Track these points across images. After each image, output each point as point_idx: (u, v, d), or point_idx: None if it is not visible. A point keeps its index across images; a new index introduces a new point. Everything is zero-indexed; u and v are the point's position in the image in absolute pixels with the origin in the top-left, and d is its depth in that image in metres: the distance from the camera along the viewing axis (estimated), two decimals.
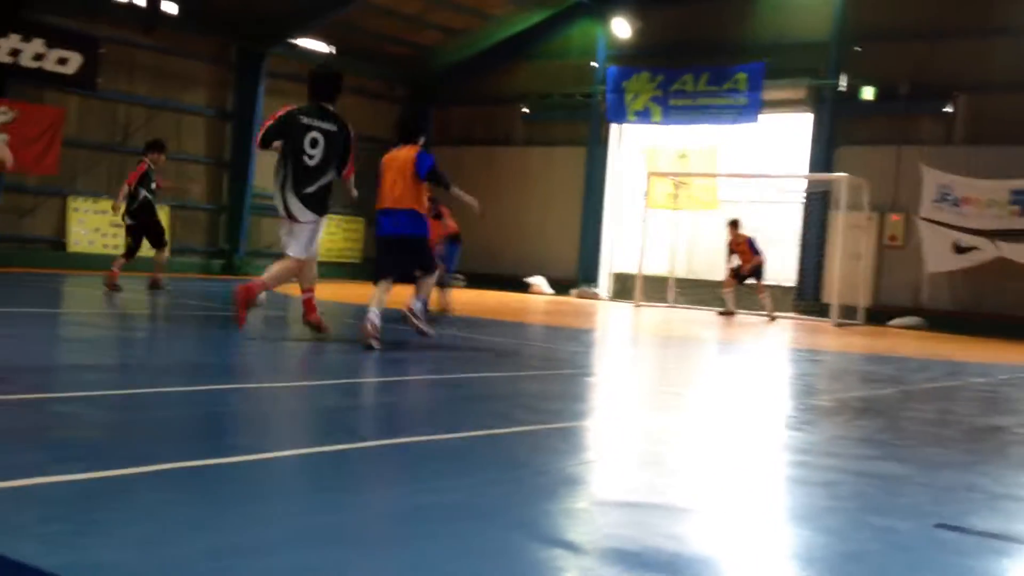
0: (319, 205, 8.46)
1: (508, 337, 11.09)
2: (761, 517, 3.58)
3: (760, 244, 17.99)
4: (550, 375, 7.58)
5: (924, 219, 17.76)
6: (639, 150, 22.39)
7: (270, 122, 8.35)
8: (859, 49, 19.47)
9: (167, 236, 13.97)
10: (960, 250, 17.44)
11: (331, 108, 8.53)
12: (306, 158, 8.31)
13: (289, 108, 8.43)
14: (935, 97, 18.68)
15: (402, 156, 8.73)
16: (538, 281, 22.36)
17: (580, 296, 21.53)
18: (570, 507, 3.51)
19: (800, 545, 3.18)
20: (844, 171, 18.69)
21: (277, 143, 8.27)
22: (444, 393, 6.22)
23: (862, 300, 18.16)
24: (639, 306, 19.27)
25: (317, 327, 8.73)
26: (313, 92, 8.53)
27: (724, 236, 18.53)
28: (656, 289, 20.75)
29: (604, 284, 22.57)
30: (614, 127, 22.67)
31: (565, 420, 5.41)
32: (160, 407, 4.98)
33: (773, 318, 17.62)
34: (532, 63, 23.64)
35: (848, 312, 17.91)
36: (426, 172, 8.50)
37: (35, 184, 18.51)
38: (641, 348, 11.28)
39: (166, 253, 13.63)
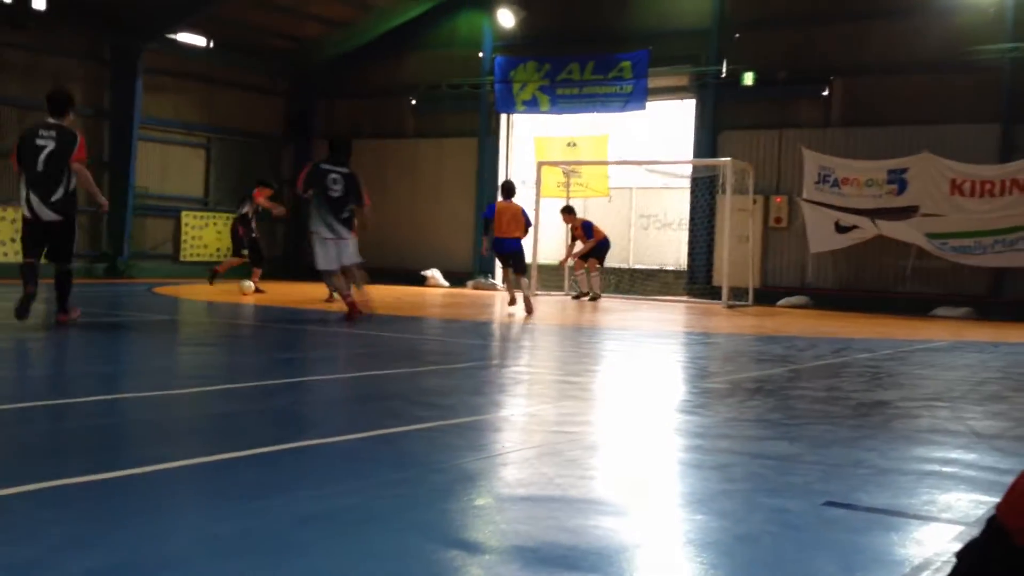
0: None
1: (405, 332, 11.01)
2: (657, 504, 3.61)
3: (597, 227, 18.94)
4: (446, 369, 7.55)
5: (806, 200, 18.24)
6: (529, 140, 22.47)
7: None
8: (738, 36, 19.88)
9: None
10: (841, 229, 17.97)
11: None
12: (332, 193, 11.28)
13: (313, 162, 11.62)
14: (812, 81, 19.20)
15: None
16: (434, 274, 22.28)
17: (476, 288, 21.52)
18: (468, 505, 3.49)
19: (695, 530, 3.21)
20: (728, 155, 19.07)
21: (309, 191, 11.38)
22: (339, 393, 6.13)
23: (751, 282, 18.59)
24: (535, 296, 19.36)
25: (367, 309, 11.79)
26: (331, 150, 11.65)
27: (608, 216, 19.35)
28: (552, 278, 20.87)
29: (500, 275, 22.62)
30: (504, 117, 22.70)
31: (462, 415, 5.39)
32: (39, 422, 4.78)
33: (595, 297, 18.22)
34: (419, 54, 23.49)
35: (738, 294, 18.32)
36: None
37: None
38: (536, 337, 11.33)
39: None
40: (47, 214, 8.85)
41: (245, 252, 17.58)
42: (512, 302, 14.21)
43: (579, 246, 18.90)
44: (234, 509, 3.22)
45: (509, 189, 14.36)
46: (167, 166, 21.91)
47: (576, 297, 18.78)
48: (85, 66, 20.37)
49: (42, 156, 8.86)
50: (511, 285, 14.48)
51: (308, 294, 16.92)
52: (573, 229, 18.88)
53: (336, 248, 11.32)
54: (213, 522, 3.07)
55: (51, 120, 9.07)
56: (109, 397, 5.62)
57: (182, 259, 22.21)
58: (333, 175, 11.26)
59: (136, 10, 20.03)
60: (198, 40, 22.07)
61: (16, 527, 2.92)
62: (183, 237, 22.27)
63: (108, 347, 8.44)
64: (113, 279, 19.68)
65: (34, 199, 8.85)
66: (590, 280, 18.64)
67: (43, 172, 8.85)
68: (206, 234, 22.77)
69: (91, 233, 20.70)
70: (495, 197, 22.69)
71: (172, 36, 21.30)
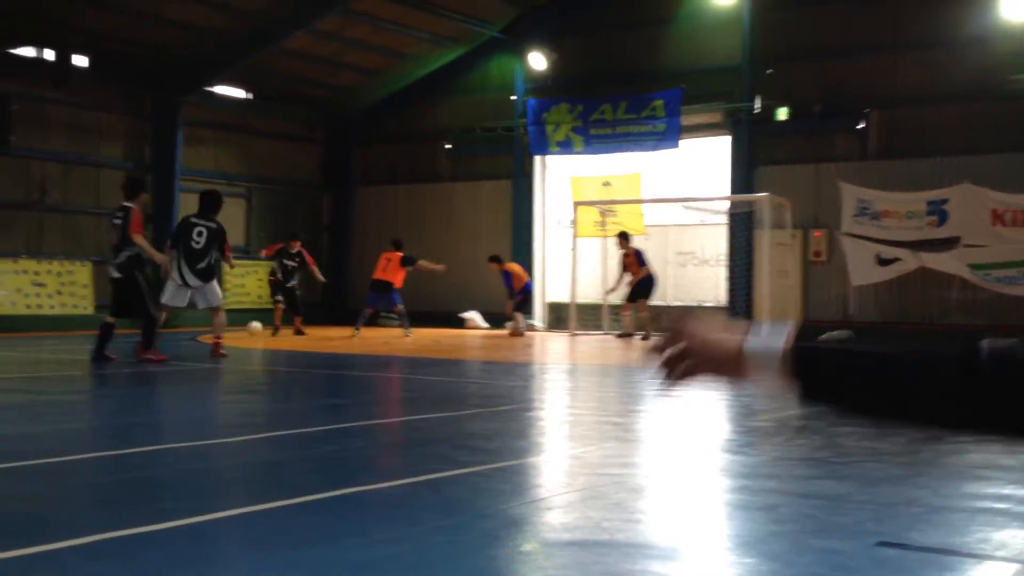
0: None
1: (445, 375, 11.02)
2: (705, 547, 3.58)
3: (649, 261, 18.63)
4: (489, 412, 7.54)
5: (846, 234, 18.12)
6: (564, 180, 22.56)
7: None
8: (771, 71, 19.89)
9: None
10: (883, 262, 17.81)
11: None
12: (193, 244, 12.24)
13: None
14: (847, 114, 19.13)
15: None
16: (473, 316, 22.31)
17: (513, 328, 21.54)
18: (515, 551, 3.48)
19: (745, 573, 3.18)
20: (765, 190, 19.00)
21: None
22: (383, 438, 6.15)
23: (792, 316, 18.43)
24: (574, 335, 19.34)
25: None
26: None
27: (617, 253, 19.26)
28: (591, 317, 20.83)
29: (539, 315, 22.62)
30: (538, 158, 22.82)
31: (506, 459, 5.38)
32: (89, 473, 4.84)
33: (646, 336, 18.05)
34: (452, 99, 23.71)
35: None
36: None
37: None
38: (578, 378, 11.30)
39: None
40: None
41: (279, 299, 18.29)
42: None
43: (627, 277, 18.55)
44: (284, 558, 3.23)
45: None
46: None
47: (620, 336, 18.58)
48: (126, 120, 20.76)
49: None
50: None
51: (348, 339, 17.02)
52: (625, 256, 18.57)
53: (191, 293, 12.20)
54: (263, 571, 3.08)
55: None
56: (156, 448, 5.67)
57: (226, 307, 22.41)
58: (199, 228, 12.31)
59: (175, 64, 20.43)
60: (236, 92, 22.45)
61: None
62: (225, 285, 22.49)
63: (153, 397, 8.53)
64: (160, 329, 19.88)
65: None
66: (639, 319, 18.41)
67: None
68: (248, 281, 23.00)
69: None
70: (531, 238, 22.81)
71: (211, 89, 21.68)
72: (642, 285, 18.42)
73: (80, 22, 18.55)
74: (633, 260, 18.48)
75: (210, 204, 12.63)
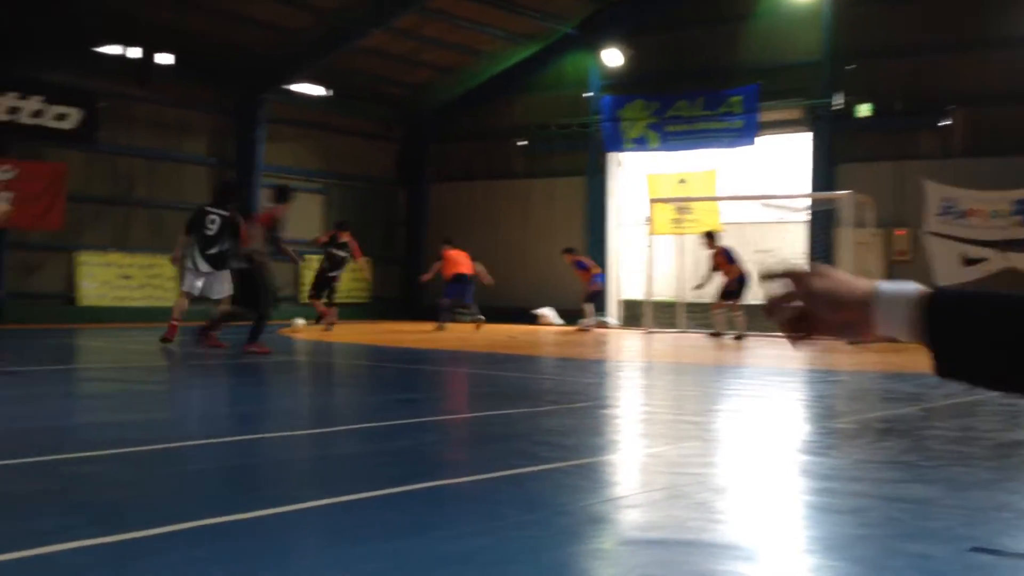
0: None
1: (521, 371, 11.06)
2: (791, 549, 3.54)
3: (739, 257, 18.08)
4: (566, 409, 7.55)
5: (931, 233, 17.75)
6: (639, 177, 22.45)
7: None
8: (852, 67, 19.55)
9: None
10: (969, 262, 17.41)
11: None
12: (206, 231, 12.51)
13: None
14: (931, 111, 18.72)
15: None
16: (547, 312, 22.32)
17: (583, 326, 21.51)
18: (597, 548, 3.49)
19: None
20: (846, 188, 18.69)
21: None
22: (462, 433, 6.20)
23: None
24: (649, 333, 19.24)
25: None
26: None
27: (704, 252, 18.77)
28: (666, 315, 20.71)
29: (613, 312, 22.55)
30: (612, 155, 22.74)
31: (584, 456, 5.39)
32: (181, 462, 4.96)
33: (740, 336, 17.65)
34: (527, 96, 23.76)
35: None
36: None
37: (40, 240, 18.57)
38: (654, 376, 11.25)
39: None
40: None
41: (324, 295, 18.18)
42: None
43: (718, 277, 18.05)
44: (371, 550, 3.28)
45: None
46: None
47: (712, 335, 18.19)
48: (209, 118, 21.19)
49: None
50: None
51: (424, 334, 17.17)
52: (713, 255, 18.01)
53: (204, 280, 12.48)
54: (352, 563, 3.14)
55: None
56: (243, 438, 5.80)
57: (303, 301, 22.77)
58: (212, 216, 12.58)
59: (257, 63, 20.79)
60: (316, 90, 22.77)
61: (172, 566, 3.04)
62: (302, 280, 22.85)
63: (233, 389, 8.70)
64: (243, 322, 20.29)
65: None
66: (732, 319, 18.05)
67: None
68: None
69: None
70: (604, 235, 22.75)
71: (291, 87, 22.03)
72: (735, 284, 17.84)
73: (165, 21, 18.98)
74: (722, 259, 17.92)
75: (224, 194, 13.16)
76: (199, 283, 12.51)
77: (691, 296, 19.23)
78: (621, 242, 22.84)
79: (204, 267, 12.43)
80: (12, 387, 8.06)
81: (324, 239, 18.56)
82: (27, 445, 5.37)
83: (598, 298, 20.22)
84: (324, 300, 18.25)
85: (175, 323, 12.22)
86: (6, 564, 3.01)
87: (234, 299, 12.22)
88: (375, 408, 7.58)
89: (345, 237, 18.37)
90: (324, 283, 18.26)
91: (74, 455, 5.04)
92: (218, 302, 12.59)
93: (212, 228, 12.47)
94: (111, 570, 3.00)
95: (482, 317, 19.16)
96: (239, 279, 12.13)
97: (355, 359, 12.77)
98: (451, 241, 19.95)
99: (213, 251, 12.42)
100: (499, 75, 23.67)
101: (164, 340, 12.02)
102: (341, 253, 18.28)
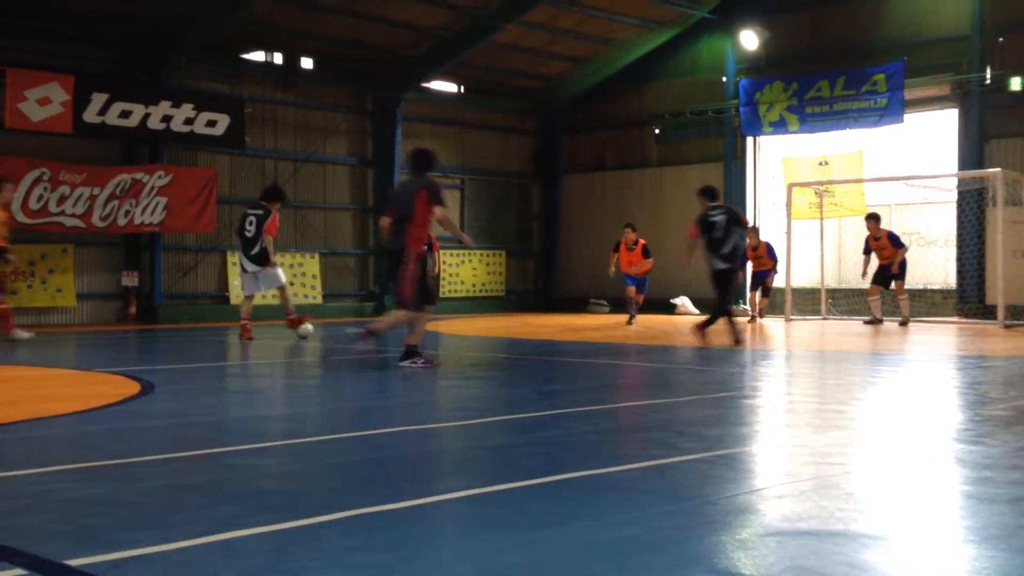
0: None
1: (660, 362, 11.02)
2: (948, 539, 3.46)
3: (903, 239, 17.65)
4: (708, 399, 7.51)
5: None
6: (777, 162, 21.99)
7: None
8: (1002, 40, 18.68)
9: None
10: None
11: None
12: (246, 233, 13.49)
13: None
14: None
15: None
16: (684, 302, 22.12)
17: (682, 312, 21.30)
18: (744, 538, 3.47)
19: (994, 568, 3.06)
20: (996, 165, 17.90)
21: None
22: (605, 424, 6.23)
23: None
24: (790, 320, 18.86)
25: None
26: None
27: (862, 235, 18.15)
28: (807, 301, 20.26)
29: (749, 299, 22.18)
30: (750, 140, 22.35)
31: (729, 446, 5.36)
32: (328, 454, 5.16)
33: (905, 323, 17.09)
34: (661, 83, 23.56)
35: (1016, 312, 17.10)
36: None
37: (194, 242, 19.45)
38: (796, 364, 11.04)
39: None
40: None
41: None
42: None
43: (874, 259, 17.64)
44: (519, 539, 3.36)
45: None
46: None
47: (869, 323, 17.73)
48: (349, 118, 21.78)
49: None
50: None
51: (560, 325, 17.25)
52: (874, 239, 17.58)
53: (254, 279, 13.33)
54: (501, 553, 3.22)
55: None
56: (391, 430, 5.97)
57: (440, 296, 23.20)
58: (250, 217, 13.32)
59: (393, 63, 21.25)
60: (450, 87, 23.13)
61: (325, 555, 3.18)
62: (441, 274, 23.26)
63: (381, 382, 8.95)
64: (380, 317, 20.79)
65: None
66: (900, 303, 17.58)
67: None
68: (462, 271, 23.71)
69: (358, 275, 22.02)
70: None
71: (426, 85, 22.43)
72: (899, 268, 17.33)
73: (306, 27, 19.58)
74: (886, 243, 17.45)
75: (265, 192, 13.68)
76: (252, 282, 13.41)
77: (832, 282, 18.74)
78: (760, 228, 22.44)
79: (250, 267, 13.27)
80: (175, 383, 8.49)
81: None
82: (194, 438, 5.68)
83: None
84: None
85: (244, 322, 13.31)
86: (191, 548, 3.23)
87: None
88: (520, 400, 7.69)
89: None
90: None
91: (238, 448, 5.30)
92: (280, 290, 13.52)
93: (251, 230, 13.26)
94: (274, 556, 3.16)
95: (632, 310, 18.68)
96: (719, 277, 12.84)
97: (494, 352, 12.93)
98: (632, 227, 19.00)
99: (255, 251, 13.19)
100: (633, 63, 23.54)
101: (243, 338, 13.06)
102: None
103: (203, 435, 5.84)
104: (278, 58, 20.40)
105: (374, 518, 3.63)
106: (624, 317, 18.64)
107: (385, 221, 9.85)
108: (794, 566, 3.10)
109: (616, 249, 18.70)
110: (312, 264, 20.88)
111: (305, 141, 21.05)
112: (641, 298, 18.75)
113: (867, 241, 17.79)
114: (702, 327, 12.82)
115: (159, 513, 3.76)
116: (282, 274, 13.78)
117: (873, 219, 17.72)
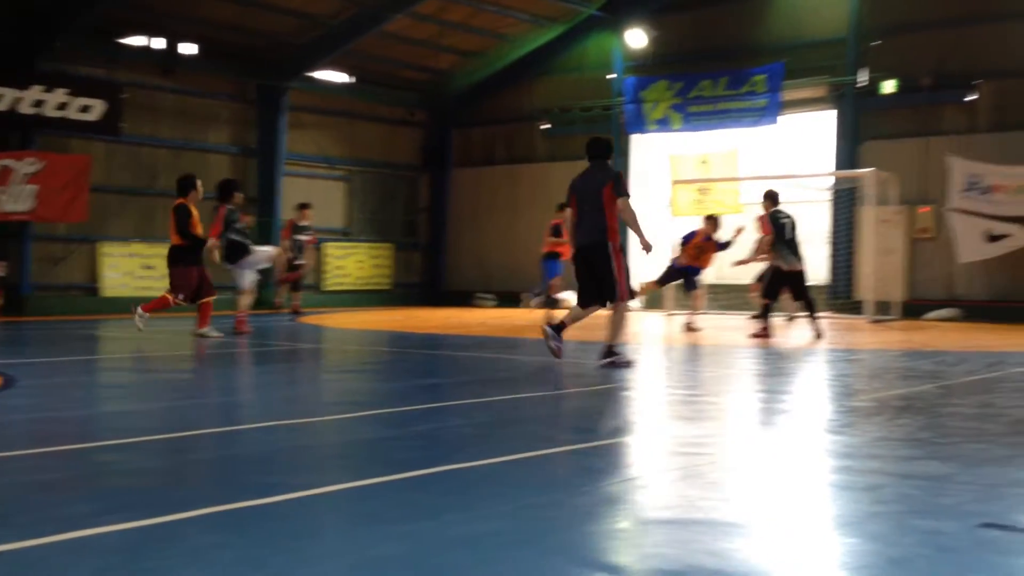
0: None
1: (541, 355, 11.10)
2: (805, 526, 3.57)
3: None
4: (583, 392, 7.59)
5: (954, 210, 17.61)
6: (662, 158, 22.37)
7: None
8: (877, 43, 19.39)
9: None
10: (993, 238, 17.27)
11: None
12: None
13: None
14: (957, 86, 18.56)
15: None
16: (568, 296, 22.30)
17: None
18: (611, 528, 3.52)
19: (847, 553, 3.17)
20: (870, 166, 18.58)
21: None
22: (480, 417, 6.24)
23: (896, 295, 18.01)
24: (670, 315, 19.21)
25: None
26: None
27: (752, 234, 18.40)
28: (687, 296, 20.65)
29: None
30: (634, 137, 22.69)
31: (602, 438, 5.42)
32: (199, 449, 5.04)
33: (791, 319, 17.46)
34: (550, 79, 23.74)
35: (883, 308, 17.77)
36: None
37: (65, 232, 18.78)
38: (673, 357, 11.26)
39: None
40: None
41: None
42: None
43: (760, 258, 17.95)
44: (389, 532, 3.33)
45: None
46: (310, 199, 22.61)
47: (755, 318, 18.07)
48: (231, 106, 21.32)
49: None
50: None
51: (445, 319, 17.24)
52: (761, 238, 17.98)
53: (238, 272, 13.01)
54: (367, 547, 3.19)
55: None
56: (264, 424, 5.87)
57: (325, 289, 22.92)
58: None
59: (279, 51, 20.88)
60: (338, 76, 22.85)
61: (185, 552, 3.10)
62: (326, 267, 22.99)
63: (258, 376, 8.80)
64: (262, 311, 20.43)
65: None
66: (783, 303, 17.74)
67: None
68: (348, 263, 23.47)
69: None
70: None
71: (313, 74, 22.10)
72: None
73: (188, 11, 19.09)
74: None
75: (220, 190, 13.07)
76: (236, 277, 12.99)
77: (713, 278, 19.13)
78: (644, 224, 22.78)
79: (225, 264, 12.87)
80: (39, 377, 8.19)
81: (287, 234, 17.32)
82: (56, 434, 5.48)
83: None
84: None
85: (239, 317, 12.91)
86: (43, 547, 3.10)
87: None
88: (396, 393, 7.65)
89: (308, 218, 17.55)
90: (290, 269, 17.42)
91: (102, 443, 5.13)
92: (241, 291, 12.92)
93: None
94: (131, 555, 3.07)
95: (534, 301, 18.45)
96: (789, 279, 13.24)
97: (376, 346, 12.85)
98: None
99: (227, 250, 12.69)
100: (522, 58, 23.65)
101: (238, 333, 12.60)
102: (304, 238, 17.45)
103: (66, 431, 5.64)
104: (159, 43, 19.81)
105: (239, 514, 3.56)
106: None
107: (567, 213, 9.50)
108: (657, 554, 3.16)
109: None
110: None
111: (185, 129, 20.53)
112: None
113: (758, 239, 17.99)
114: (815, 325, 13.12)
115: (11, 511, 3.61)
116: (247, 277, 13.12)
117: (711, 220, 18.02)
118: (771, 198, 13.55)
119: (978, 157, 17.86)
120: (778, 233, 13.26)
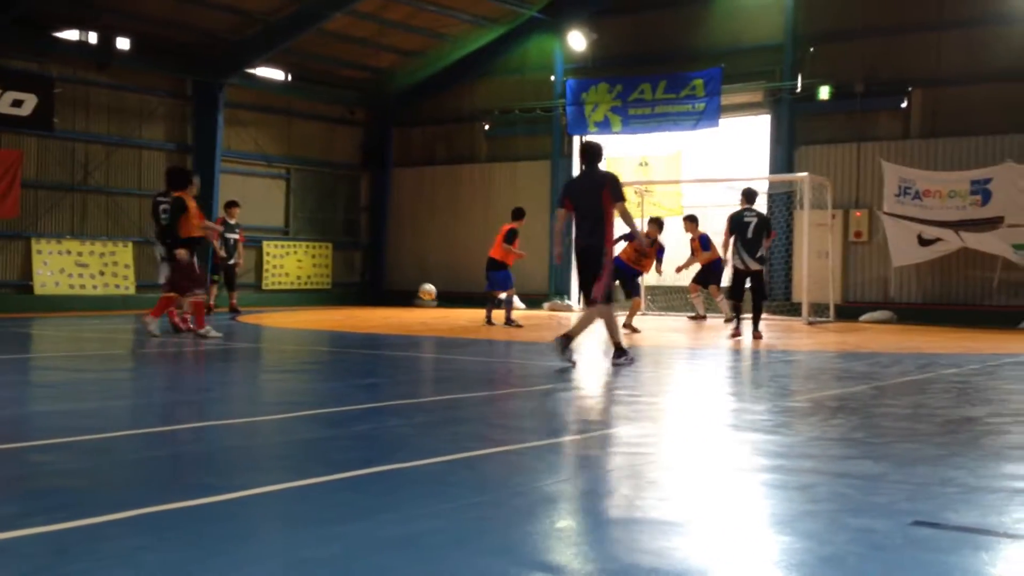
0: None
1: (481, 356, 11.08)
2: (740, 525, 3.59)
3: (715, 245, 17.84)
4: (524, 392, 7.59)
5: (887, 214, 17.93)
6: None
7: None
8: (813, 50, 19.70)
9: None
10: (924, 243, 17.62)
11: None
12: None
13: None
14: (890, 93, 18.93)
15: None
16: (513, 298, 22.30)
17: (552, 309, 21.54)
18: (549, 528, 3.52)
19: (780, 552, 3.20)
20: (805, 170, 18.86)
21: None
22: (420, 417, 6.21)
23: (832, 297, 18.30)
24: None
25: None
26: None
27: (681, 235, 18.55)
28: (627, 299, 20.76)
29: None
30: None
31: (541, 438, 5.42)
32: (130, 450, 4.94)
33: (729, 320, 17.53)
34: (491, 80, 23.73)
35: (819, 310, 18.04)
36: None
37: None
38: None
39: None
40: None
41: (216, 277, 17.36)
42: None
43: (694, 260, 17.85)
44: (323, 534, 3.29)
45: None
46: (248, 197, 22.32)
47: (693, 319, 18.22)
48: (167, 103, 20.97)
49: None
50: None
51: (385, 319, 17.14)
52: (692, 240, 17.89)
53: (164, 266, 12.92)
54: (301, 547, 3.14)
55: None
56: (197, 425, 5.78)
57: (264, 288, 22.66)
58: (163, 205, 13.37)
59: (217, 47, 20.59)
60: (277, 74, 22.60)
61: (113, 555, 3.03)
62: (265, 266, 22.73)
63: (195, 375, 8.66)
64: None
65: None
66: (717, 304, 17.73)
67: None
68: (287, 263, 23.22)
69: None
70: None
71: (252, 71, 21.83)
72: (711, 270, 17.68)
73: (123, 5, 18.75)
74: (697, 245, 17.78)
75: (170, 180, 13.02)
76: (163, 269, 12.89)
77: (653, 279, 19.25)
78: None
79: (161, 253, 12.91)
80: None
81: (216, 236, 16.65)
82: None
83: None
84: (218, 282, 17.49)
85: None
86: None
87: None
88: (335, 394, 7.58)
89: (236, 215, 17.57)
90: (223, 267, 17.43)
91: (31, 443, 5.00)
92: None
93: (165, 217, 12.89)
94: (57, 557, 2.99)
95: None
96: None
97: (318, 346, 12.73)
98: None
99: (169, 240, 12.52)
100: (463, 59, 23.60)
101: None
102: (233, 236, 17.41)
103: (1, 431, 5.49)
104: (93, 37, 19.42)
105: (169, 516, 3.49)
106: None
107: (560, 213, 9.71)
108: (591, 553, 3.16)
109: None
110: (125, 253, 20.00)
111: (119, 125, 20.15)
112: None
113: (689, 242, 18.19)
114: (755, 330, 13.41)
115: None
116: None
117: (690, 220, 18.16)
118: (747, 196, 13.68)
119: (910, 163, 18.22)
120: (740, 233, 13.38)
